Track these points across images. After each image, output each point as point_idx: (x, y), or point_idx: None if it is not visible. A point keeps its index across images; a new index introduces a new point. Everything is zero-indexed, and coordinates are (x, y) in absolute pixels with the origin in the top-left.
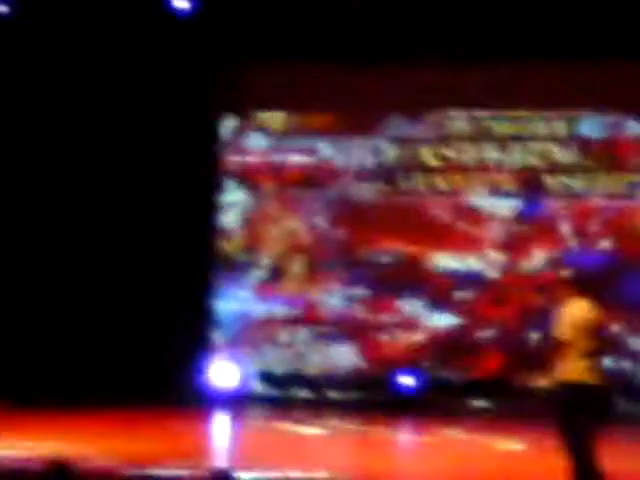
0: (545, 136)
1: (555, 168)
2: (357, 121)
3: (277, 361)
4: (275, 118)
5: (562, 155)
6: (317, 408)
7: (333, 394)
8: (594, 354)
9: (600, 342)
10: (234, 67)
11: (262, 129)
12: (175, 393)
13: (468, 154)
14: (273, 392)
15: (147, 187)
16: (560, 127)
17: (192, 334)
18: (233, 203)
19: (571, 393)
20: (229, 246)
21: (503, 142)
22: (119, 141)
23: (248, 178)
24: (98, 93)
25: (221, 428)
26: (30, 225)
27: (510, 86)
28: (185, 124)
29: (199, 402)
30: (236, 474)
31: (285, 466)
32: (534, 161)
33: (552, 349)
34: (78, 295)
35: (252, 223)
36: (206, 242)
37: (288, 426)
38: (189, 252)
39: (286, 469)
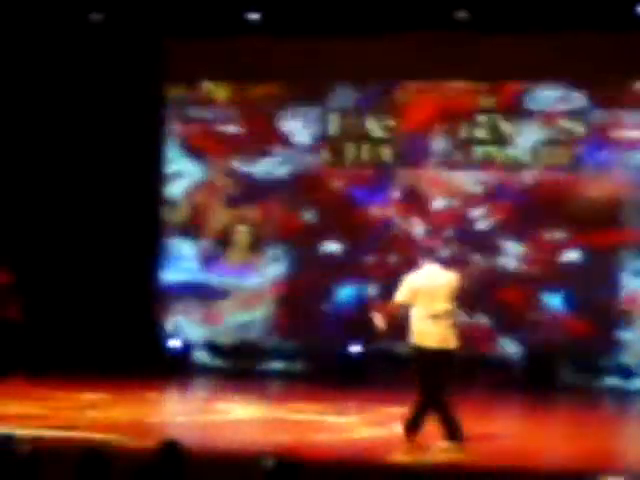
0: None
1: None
2: (303, 91)
3: (223, 332)
4: (220, 88)
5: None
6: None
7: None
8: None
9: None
10: (180, 37)
11: (207, 99)
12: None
13: None
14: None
15: (94, 158)
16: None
17: (140, 304)
18: (179, 173)
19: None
20: (175, 216)
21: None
22: (67, 112)
23: (193, 148)
24: (46, 65)
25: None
26: None
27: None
28: (131, 95)
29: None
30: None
31: None
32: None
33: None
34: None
35: (197, 193)
36: (152, 212)
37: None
38: (135, 222)
39: None
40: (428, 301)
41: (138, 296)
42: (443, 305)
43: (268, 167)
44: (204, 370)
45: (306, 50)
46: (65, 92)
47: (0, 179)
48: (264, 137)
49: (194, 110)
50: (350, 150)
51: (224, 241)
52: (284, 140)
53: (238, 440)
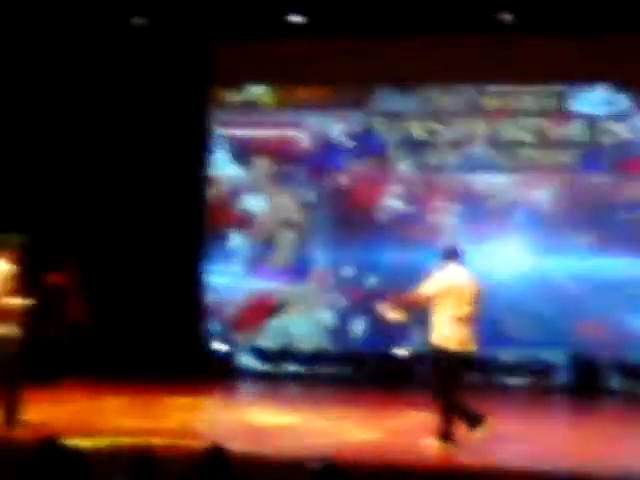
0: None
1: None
2: (347, 94)
3: (267, 335)
4: (266, 91)
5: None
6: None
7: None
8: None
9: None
10: (227, 40)
11: (253, 102)
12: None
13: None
14: (264, 367)
15: (141, 162)
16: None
17: (184, 307)
18: (225, 177)
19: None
20: (220, 220)
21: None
22: (116, 116)
23: (240, 152)
24: (94, 70)
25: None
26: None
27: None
28: (178, 98)
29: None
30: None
31: None
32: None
33: None
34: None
35: (242, 197)
36: (197, 216)
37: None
38: (182, 225)
39: None
40: (456, 302)
41: (183, 299)
42: (467, 308)
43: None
44: (248, 374)
45: (351, 52)
46: (113, 97)
47: (58, 184)
48: (310, 140)
49: (240, 113)
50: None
51: (270, 245)
52: (328, 144)
53: (283, 444)
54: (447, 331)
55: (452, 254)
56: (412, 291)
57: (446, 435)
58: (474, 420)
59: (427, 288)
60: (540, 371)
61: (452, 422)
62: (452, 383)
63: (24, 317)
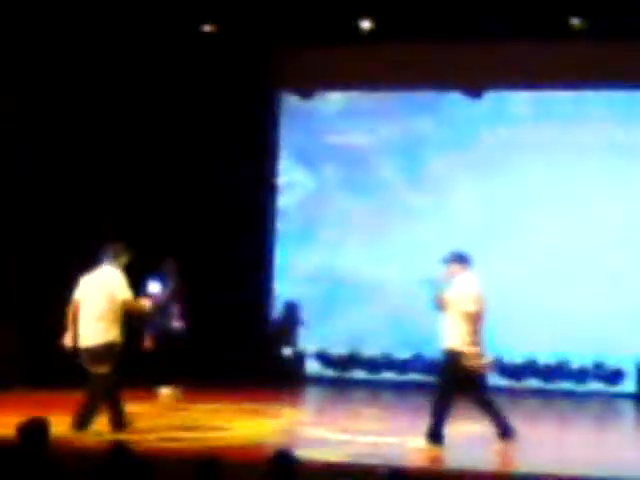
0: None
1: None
2: (414, 100)
3: (335, 341)
4: (333, 98)
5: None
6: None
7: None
8: None
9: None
10: (294, 46)
11: (320, 109)
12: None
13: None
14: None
15: (208, 168)
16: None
17: (253, 314)
18: (292, 184)
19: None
20: (288, 226)
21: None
22: (182, 123)
23: (307, 158)
24: (161, 76)
25: None
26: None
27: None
28: (245, 105)
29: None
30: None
31: None
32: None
33: None
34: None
35: (311, 203)
36: (265, 222)
37: None
38: (249, 232)
39: None
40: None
41: (251, 305)
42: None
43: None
44: (316, 380)
45: (419, 57)
46: (180, 103)
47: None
48: (375, 147)
49: (308, 120)
50: None
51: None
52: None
53: (351, 451)
54: (468, 337)
55: (467, 260)
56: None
57: (435, 436)
58: (437, 436)
59: (469, 302)
60: None
61: (443, 423)
62: (460, 388)
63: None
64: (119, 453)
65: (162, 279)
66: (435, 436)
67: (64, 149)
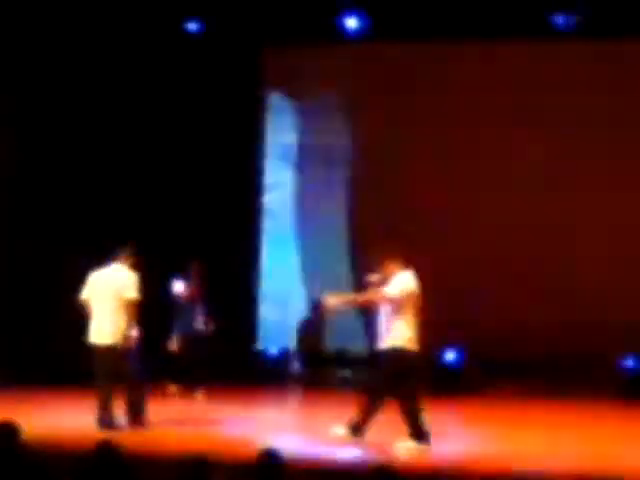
0: None
1: None
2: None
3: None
4: (319, 97)
5: None
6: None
7: None
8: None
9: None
10: (280, 46)
11: (307, 108)
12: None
13: None
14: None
15: (193, 167)
16: None
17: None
18: (278, 183)
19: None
20: (274, 226)
21: None
22: (167, 123)
23: (294, 158)
24: (146, 77)
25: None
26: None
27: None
28: (231, 104)
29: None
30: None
31: None
32: None
33: None
34: None
35: (297, 203)
36: (252, 222)
37: None
38: (234, 232)
39: None
40: (415, 306)
41: (236, 304)
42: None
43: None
44: (299, 379)
45: (403, 58)
46: (166, 103)
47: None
48: (364, 147)
49: (293, 119)
50: None
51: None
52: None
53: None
54: (410, 333)
55: (404, 258)
56: (375, 291)
57: (358, 429)
58: (360, 429)
59: (397, 291)
60: None
61: (420, 421)
62: (413, 383)
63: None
64: (104, 453)
65: (187, 280)
66: (420, 435)
67: (48, 152)
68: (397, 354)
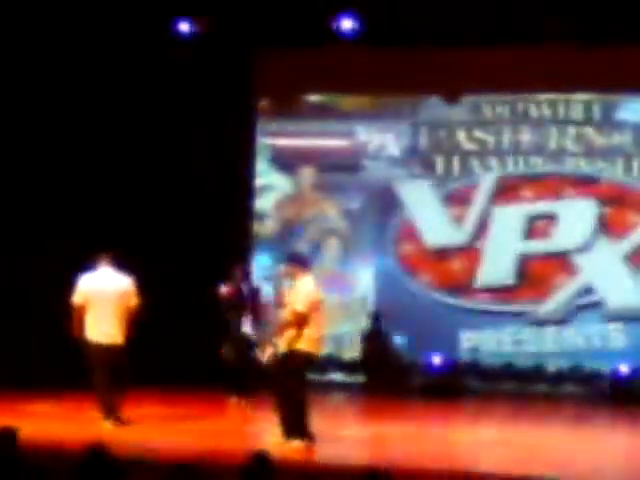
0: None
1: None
2: (392, 104)
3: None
4: (311, 101)
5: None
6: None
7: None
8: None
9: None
10: (271, 49)
11: (297, 112)
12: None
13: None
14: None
15: (184, 171)
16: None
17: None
18: (268, 186)
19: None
20: (265, 229)
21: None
22: (159, 125)
23: (283, 161)
24: (138, 80)
25: None
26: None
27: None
28: (222, 107)
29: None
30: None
31: None
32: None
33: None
34: None
35: (288, 207)
36: (242, 225)
37: None
38: (225, 235)
39: None
40: (321, 313)
41: None
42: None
43: (358, 180)
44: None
45: (397, 62)
46: (156, 106)
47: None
48: (354, 150)
49: (284, 123)
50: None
51: (314, 254)
52: (374, 153)
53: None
54: (319, 338)
55: (306, 262)
56: (282, 314)
57: (301, 433)
58: (294, 431)
59: (302, 305)
60: None
61: (306, 419)
62: (304, 384)
63: None
64: (96, 455)
65: (230, 284)
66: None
67: (38, 154)
68: (303, 359)
